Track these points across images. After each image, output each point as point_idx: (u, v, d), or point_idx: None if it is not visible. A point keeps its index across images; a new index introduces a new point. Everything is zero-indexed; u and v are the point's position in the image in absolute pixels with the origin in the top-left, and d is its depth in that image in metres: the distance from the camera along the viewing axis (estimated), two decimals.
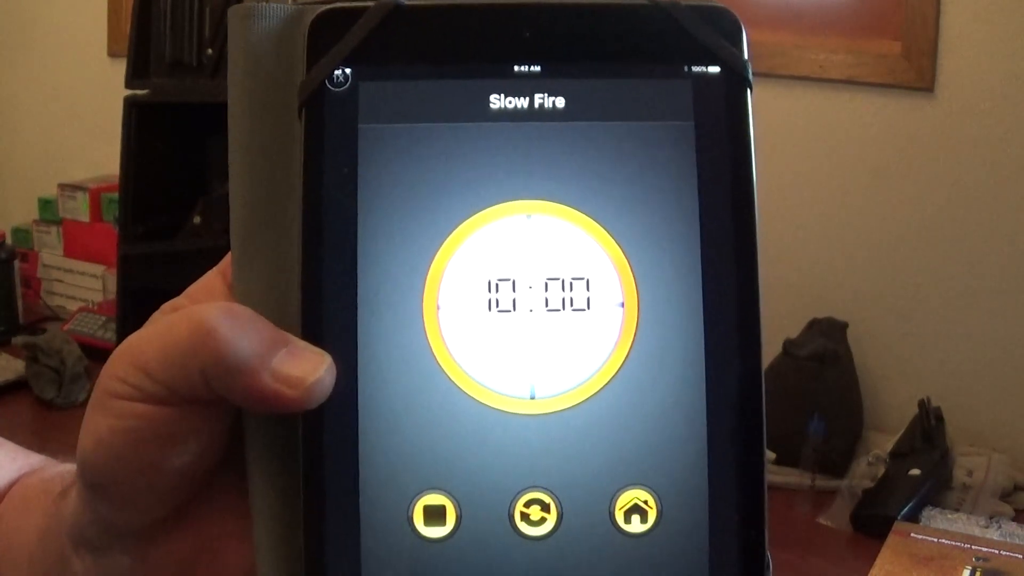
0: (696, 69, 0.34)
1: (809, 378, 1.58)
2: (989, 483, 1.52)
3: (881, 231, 1.74)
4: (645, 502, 0.32)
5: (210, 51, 1.77)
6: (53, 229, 2.25)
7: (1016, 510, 1.48)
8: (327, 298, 0.33)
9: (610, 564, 0.32)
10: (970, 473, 1.55)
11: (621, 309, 0.33)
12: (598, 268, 0.33)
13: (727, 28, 0.34)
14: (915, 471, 1.48)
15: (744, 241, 0.33)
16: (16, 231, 2.33)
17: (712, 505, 0.32)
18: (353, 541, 0.32)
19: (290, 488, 0.34)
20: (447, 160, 0.33)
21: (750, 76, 0.34)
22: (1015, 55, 1.60)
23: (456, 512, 0.32)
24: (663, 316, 0.33)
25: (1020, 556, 1.29)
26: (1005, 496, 1.51)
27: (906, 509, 1.41)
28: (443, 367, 0.33)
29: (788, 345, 1.62)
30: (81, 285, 2.22)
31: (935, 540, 1.32)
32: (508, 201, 0.33)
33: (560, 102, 0.34)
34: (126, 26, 1.96)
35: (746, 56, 0.34)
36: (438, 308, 0.33)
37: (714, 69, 0.34)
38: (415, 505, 0.32)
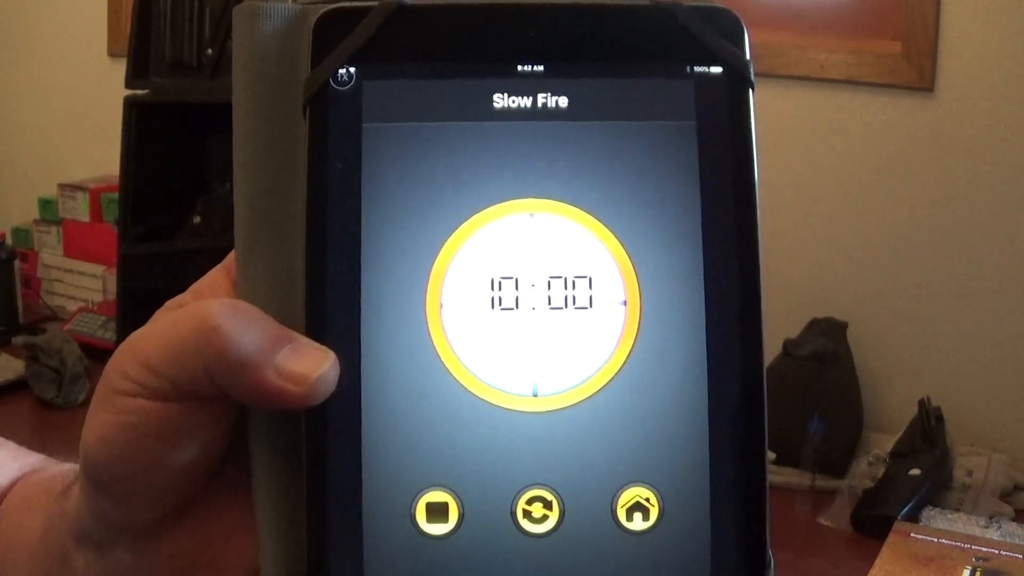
0: (698, 69, 0.34)
1: (809, 378, 1.58)
2: (989, 483, 1.53)
3: (881, 231, 1.74)
4: (647, 500, 0.32)
5: (210, 51, 1.77)
6: (53, 229, 2.25)
7: (1016, 510, 1.48)
8: (331, 295, 0.33)
9: (612, 562, 0.32)
10: (970, 473, 1.55)
11: (623, 307, 0.33)
12: (600, 266, 0.33)
13: (729, 28, 0.34)
14: (915, 471, 1.48)
15: (746, 240, 0.33)
16: (16, 231, 2.33)
17: (714, 503, 0.32)
18: (355, 538, 0.32)
19: (293, 485, 0.34)
20: (450, 159, 0.33)
21: (752, 76, 0.34)
22: (1015, 55, 1.61)
23: (458, 509, 0.32)
24: (665, 314, 0.33)
25: (1020, 556, 1.29)
26: (1005, 496, 1.51)
27: (906, 509, 1.41)
28: (446, 364, 0.33)
29: (788, 345, 1.62)
30: (81, 285, 2.22)
31: (935, 540, 1.32)
32: (511, 200, 0.33)
33: (563, 101, 0.34)
34: (126, 26, 1.96)
35: (748, 56, 0.34)
36: (441, 306, 0.33)
37: (716, 69, 0.34)
38: (417, 502, 0.32)
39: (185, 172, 1.92)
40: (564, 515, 0.32)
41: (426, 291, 0.33)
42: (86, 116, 2.38)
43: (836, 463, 1.56)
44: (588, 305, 0.33)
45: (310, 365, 0.31)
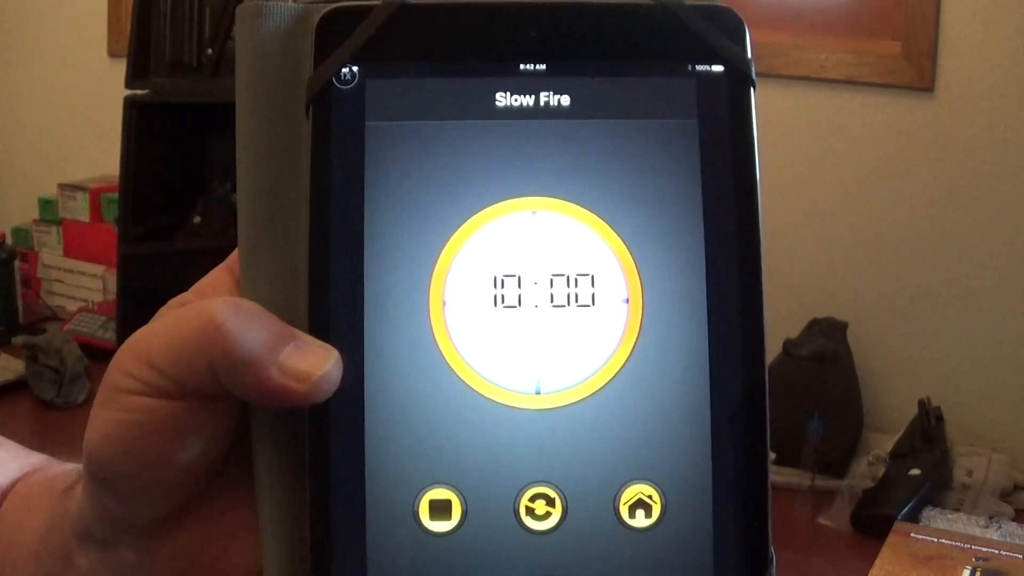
0: (700, 68, 0.34)
1: (809, 378, 1.59)
2: (989, 483, 1.53)
3: (881, 231, 1.74)
4: (649, 497, 0.33)
5: (210, 51, 1.78)
6: (53, 229, 2.25)
7: (1016, 510, 1.48)
8: (334, 293, 0.33)
9: (614, 558, 0.32)
10: (970, 473, 1.55)
11: (626, 305, 0.33)
12: (603, 264, 0.33)
13: (730, 27, 0.34)
14: (915, 471, 1.48)
15: (747, 238, 0.33)
16: (16, 231, 2.33)
17: (716, 500, 0.32)
18: (359, 535, 0.32)
19: (296, 483, 0.34)
20: (453, 157, 0.33)
21: (753, 74, 0.34)
22: (1015, 55, 1.61)
23: (461, 506, 0.32)
24: (667, 312, 0.33)
25: (1020, 556, 1.29)
26: (1005, 496, 1.51)
27: (906, 509, 1.41)
28: (449, 362, 0.33)
29: (788, 345, 1.63)
30: (81, 285, 2.22)
31: (935, 540, 1.32)
32: (513, 198, 0.33)
33: (565, 100, 0.34)
34: (126, 26, 1.96)
35: (749, 55, 0.34)
36: (444, 304, 0.33)
37: (718, 68, 0.34)
38: (421, 499, 0.32)
39: (185, 172, 1.92)
40: (567, 512, 0.32)
41: (429, 289, 0.33)
42: (86, 116, 2.38)
43: (836, 463, 1.56)
44: (591, 303, 0.33)
45: (313, 363, 0.32)
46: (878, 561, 1.28)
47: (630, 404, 0.33)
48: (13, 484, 0.44)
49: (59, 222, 2.23)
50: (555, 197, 0.33)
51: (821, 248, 1.78)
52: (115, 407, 0.33)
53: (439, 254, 0.33)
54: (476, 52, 0.34)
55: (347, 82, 0.34)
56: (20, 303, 2.13)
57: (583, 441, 0.33)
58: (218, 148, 1.94)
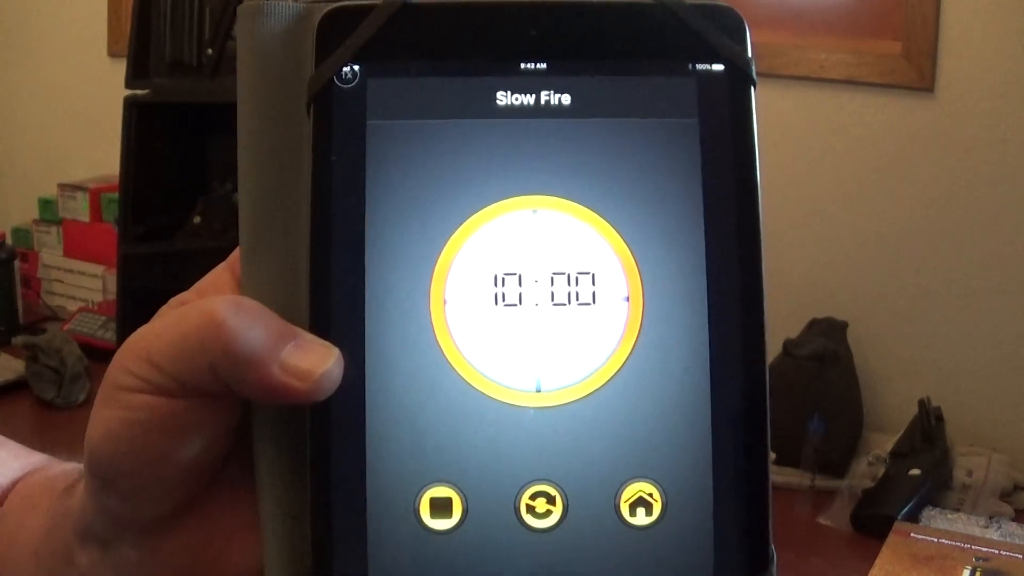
0: (700, 66, 0.34)
1: (809, 378, 1.59)
2: (989, 483, 1.53)
3: (881, 231, 1.74)
4: (650, 495, 0.33)
5: (210, 51, 1.78)
6: (53, 229, 2.25)
7: (1016, 510, 1.48)
8: (335, 292, 0.33)
9: (615, 556, 0.32)
10: (970, 473, 1.55)
11: (626, 303, 0.33)
12: (603, 263, 0.33)
13: (731, 26, 0.34)
14: (915, 471, 1.48)
15: (748, 236, 0.33)
16: (16, 231, 2.33)
17: (717, 498, 0.32)
18: (360, 533, 0.32)
19: (297, 480, 0.34)
20: (454, 156, 0.33)
21: (754, 73, 0.34)
22: (1015, 55, 1.61)
23: (462, 504, 0.32)
24: (668, 310, 0.33)
25: (1020, 556, 1.29)
26: (1005, 496, 1.51)
27: (906, 509, 1.41)
28: (450, 360, 0.33)
29: (788, 345, 1.63)
30: (81, 285, 2.22)
31: (935, 540, 1.32)
32: (514, 196, 0.33)
33: (566, 99, 0.34)
34: (126, 26, 1.96)
35: (750, 53, 0.34)
36: (445, 302, 0.33)
37: (718, 66, 0.34)
38: (421, 497, 0.32)
39: (185, 172, 1.92)
40: (567, 510, 0.32)
41: (430, 287, 0.33)
42: (86, 116, 2.38)
43: (836, 463, 1.56)
44: (591, 301, 0.33)
45: (314, 361, 0.32)
46: (878, 561, 1.28)
47: (631, 402, 0.33)
48: (14, 483, 0.44)
49: (59, 222, 2.23)
50: (556, 196, 0.33)
51: (821, 248, 1.78)
52: (116, 405, 0.33)
53: (440, 252, 0.33)
54: (477, 51, 0.34)
55: (348, 81, 0.34)
56: (20, 303, 2.13)
57: (584, 439, 0.33)
58: (218, 148, 1.94)
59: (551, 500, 0.32)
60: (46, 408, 1.78)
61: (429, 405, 0.33)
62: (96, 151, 2.29)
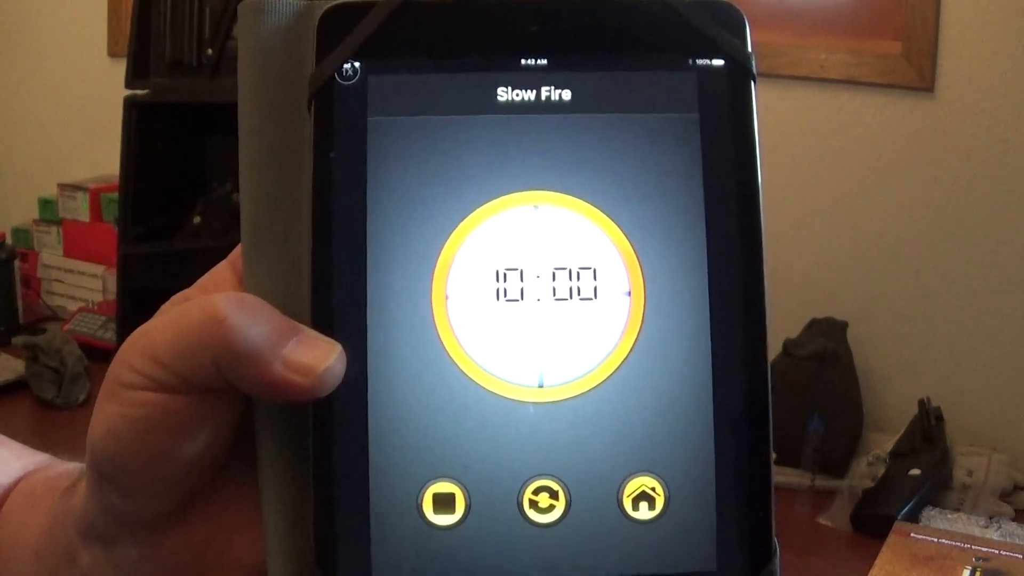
0: (700, 62, 0.34)
1: (809, 378, 1.58)
2: (989, 483, 1.53)
3: (881, 231, 1.74)
4: (653, 489, 0.33)
5: (210, 51, 1.78)
6: (53, 229, 2.25)
7: (1016, 510, 1.48)
8: (337, 288, 0.33)
9: (618, 551, 0.32)
10: (970, 473, 1.55)
11: (628, 298, 0.33)
12: (605, 258, 0.33)
13: (730, 21, 0.34)
14: (915, 471, 1.48)
15: (749, 230, 0.33)
16: (16, 231, 2.33)
17: (719, 492, 0.33)
18: (363, 529, 0.32)
19: (300, 477, 0.34)
20: (455, 152, 0.34)
21: (754, 68, 0.34)
22: (1015, 55, 1.61)
23: (465, 500, 0.32)
24: (669, 305, 0.33)
25: (1020, 556, 1.29)
26: (1005, 496, 1.51)
27: (906, 509, 1.41)
28: (452, 356, 0.33)
29: (788, 345, 1.63)
30: (81, 285, 2.22)
31: (935, 540, 1.32)
32: (515, 192, 0.33)
33: (566, 95, 0.34)
34: (126, 26, 1.96)
35: (750, 49, 0.34)
36: (447, 298, 0.33)
37: (718, 62, 0.34)
38: (424, 493, 0.32)
39: (185, 172, 1.92)
40: (570, 505, 0.32)
41: (431, 283, 0.33)
42: (86, 116, 2.38)
43: (836, 463, 1.56)
44: (593, 296, 0.33)
45: (317, 357, 0.32)
46: (878, 561, 1.28)
47: (633, 397, 0.33)
48: (16, 483, 0.44)
49: (59, 222, 2.23)
50: (557, 191, 0.34)
51: (821, 248, 1.78)
52: (119, 402, 0.33)
53: (441, 248, 0.33)
54: (477, 47, 0.34)
55: (349, 78, 0.34)
56: (20, 303, 2.13)
57: (586, 434, 0.33)
58: (218, 148, 1.94)
59: (554, 495, 0.32)
60: (46, 408, 1.78)
61: (431, 401, 0.33)
62: (96, 151, 2.29)
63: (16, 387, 1.83)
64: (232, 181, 1.87)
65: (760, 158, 0.34)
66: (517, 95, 0.34)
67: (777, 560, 0.33)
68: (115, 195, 1.94)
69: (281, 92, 0.35)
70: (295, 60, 0.35)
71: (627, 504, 0.33)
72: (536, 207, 0.34)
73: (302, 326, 0.32)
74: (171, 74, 1.80)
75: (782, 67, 1.74)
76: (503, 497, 0.32)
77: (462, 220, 0.33)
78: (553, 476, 0.33)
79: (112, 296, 1.98)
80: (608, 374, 0.33)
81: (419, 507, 0.32)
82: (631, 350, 0.33)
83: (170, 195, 1.87)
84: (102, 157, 2.15)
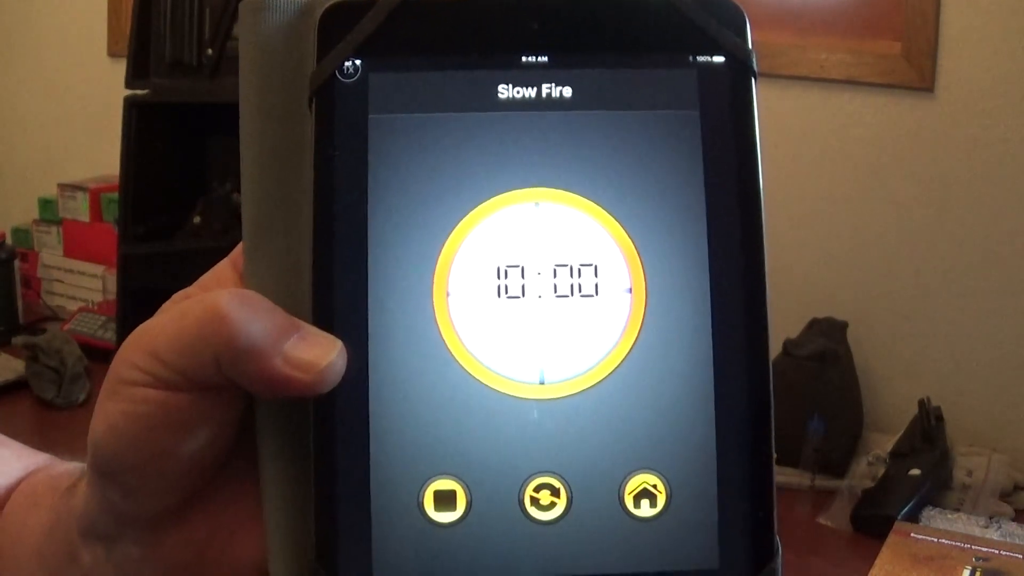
0: (701, 59, 0.34)
1: (809, 378, 1.58)
2: (989, 483, 1.53)
3: (881, 231, 1.74)
4: (654, 486, 0.33)
5: (210, 51, 1.78)
6: (53, 229, 2.25)
7: (1016, 510, 1.48)
8: (338, 285, 0.33)
9: (620, 548, 0.32)
10: (970, 473, 1.55)
11: (629, 295, 0.33)
12: (606, 254, 0.33)
13: (731, 18, 0.34)
14: (915, 471, 1.48)
15: (750, 227, 0.33)
16: (16, 231, 2.33)
17: (721, 489, 0.32)
18: (363, 526, 0.32)
19: (301, 474, 0.34)
20: (456, 149, 0.34)
21: (755, 65, 0.34)
22: (1015, 55, 1.61)
23: (466, 497, 0.32)
24: (671, 301, 0.33)
25: (1020, 556, 1.29)
26: (1005, 496, 1.51)
27: (906, 509, 1.41)
28: (453, 353, 0.33)
29: (788, 345, 1.63)
30: (81, 285, 2.22)
31: (935, 540, 1.32)
32: (516, 189, 0.34)
33: (567, 92, 0.34)
34: (126, 26, 1.96)
35: (750, 46, 0.34)
36: (448, 295, 0.33)
37: (719, 58, 0.34)
38: (425, 490, 0.32)
39: (185, 172, 1.92)
40: (572, 502, 0.32)
41: (433, 280, 0.33)
42: (86, 116, 2.38)
43: (836, 463, 1.56)
44: (594, 293, 0.33)
45: (318, 353, 0.32)
46: (878, 561, 1.28)
47: (634, 393, 0.33)
48: (17, 483, 0.44)
49: (59, 222, 2.23)
50: (558, 188, 0.34)
51: (821, 248, 1.78)
52: (120, 399, 0.33)
53: (443, 245, 0.33)
54: (478, 45, 0.34)
55: (350, 76, 0.34)
56: (20, 303, 2.13)
57: (587, 431, 0.33)
58: (218, 148, 1.94)
59: (555, 492, 0.32)
60: (46, 408, 1.78)
61: (432, 398, 0.33)
62: (96, 151, 2.29)
63: (16, 387, 1.82)
64: (232, 181, 1.87)
65: (761, 155, 0.34)
66: (518, 92, 0.34)
67: (779, 558, 0.33)
68: (115, 195, 1.94)
69: (282, 90, 0.35)
70: (296, 58, 0.35)
71: (628, 501, 0.33)
72: (537, 204, 0.34)
73: (303, 323, 0.32)
74: (171, 74, 1.80)
75: (782, 67, 1.74)
76: (504, 494, 0.32)
77: (463, 217, 0.33)
78: (554, 473, 0.33)
79: (112, 296, 1.98)
80: (609, 371, 0.33)
81: (420, 504, 0.32)
82: (632, 347, 0.33)
83: (170, 195, 1.87)
84: (102, 157, 2.15)
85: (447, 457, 0.32)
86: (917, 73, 1.66)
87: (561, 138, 0.34)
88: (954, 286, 1.70)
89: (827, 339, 1.64)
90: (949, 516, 1.42)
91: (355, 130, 0.34)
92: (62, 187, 2.20)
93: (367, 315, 0.33)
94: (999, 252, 1.66)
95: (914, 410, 1.61)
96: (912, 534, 1.34)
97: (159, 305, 0.35)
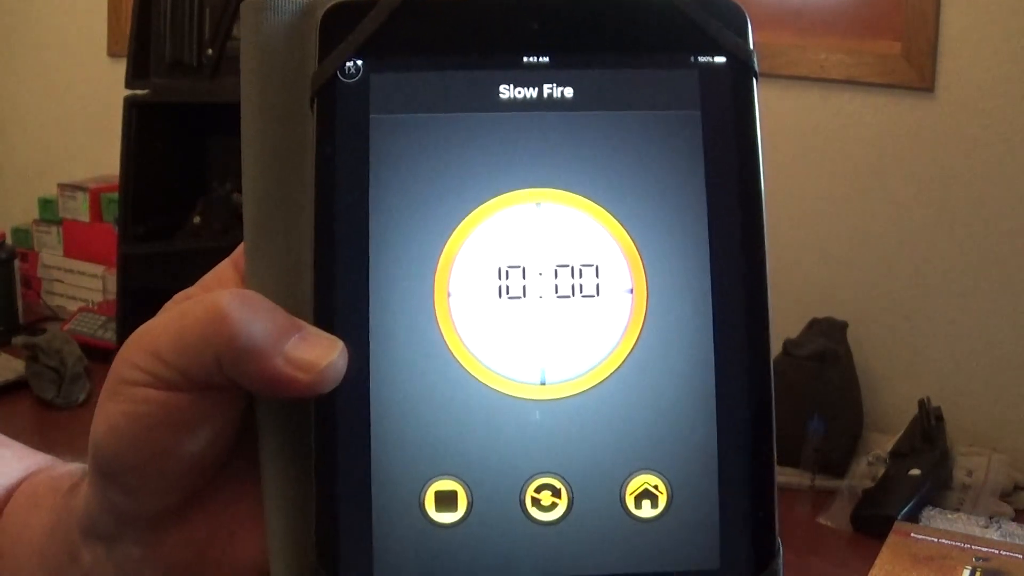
0: (702, 59, 0.34)
1: (809, 378, 1.58)
2: (989, 483, 1.53)
3: (881, 231, 1.74)
4: (655, 487, 0.33)
5: (210, 51, 1.78)
6: (53, 229, 2.25)
7: (1016, 510, 1.48)
8: (339, 285, 0.33)
9: (621, 549, 0.32)
10: (970, 473, 1.55)
11: (630, 295, 0.33)
12: (607, 255, 0.33)
13: (732, 19, 0.34)
14: (915, 471, 1.48)
15: (751, 227, 0.33)
16: (16, 231, 2.33)
17: (722, 489, 0.32)
18: (365, 527, 0.32)
19: (302, 474, 0.34)
20: (457, 149, 0.34)
21: (756, 66, 0.34)
22: (1015, 55, 1.61)
23: (467, 497, 0.32)
24: (672, 302, 0.33)
25: (1020, 556, 1.29)
26: (1005, 496, 1.51)
27: (906, 509, 1.41)
28: (454, 353, 0.33)
29: (788, 345, 1.63)
30: (81, 285, 2.22)
31: (935, 540, 1.32)
32: (517, 189, 0.34)
33: (568, 92, 0.34)
34: (126, 26, 1.96)
35: (751, 46, 0.34)
36: (449, 295, 0.33)
37: (720, 59, 0.34)
38: (426, 491, 0.32)
39: (185, 172, 1.92)
40: (573, 503, 0.32)
41: (434, 280, 0.33)
42: (86, 116, 2.38)
43: (836, 463, 1.56)
44: (595, 293, 0.33)
45: (319, 353, 0.32)
46: (878, 561, 1.28)
47: (635, 394, 0.33)
48: (18, 483, 0.44)
49: (59, 222, 2.23)
50: (559, 188, 0.34)
51: (821, 248, 1.78)
52: (121, 399, 0.33)
53: (444, 245, 0.33)
54: (479, 45, 0.34)
55: (351, 76, 0.34)
56: (20, 303, 2.13)
57: (588, 431, 0.33)
58: (218, 148, 1.94)
59: (556, 493, 0.32)
60: (46, 408, 1.78)
61: (433, 398, 0.33)
62: (96, 151, 2.29)
63: (16, 387, 1.82)
64: (232, 181, 1.87)
65: (762, 155, 0.34)
66: (519, 93, 0.34)
67: (780, 559, 0.33)
68: (115, 195, 1.94)
69: (284, 90, 0.35)
70: (298, 58, 0.35)
71: (630, 502, 0.33)
72: (538, 204, 0.34)
73: (304, 323, 0.32)
74: (171, 74, 1.80)
75: (782, 67, 1.74)
76: (505, 495, 0.32)
77: (464, 217, 0.33)
78: (555, 474, 0.33)
79: (112, 296, 1.98)
80: (610, 371, 0.33)
81: (421, 505, 0.32)
82: (633, 347, 0.33)
83: (170, 195, 1.87)
84: (102, 157, 2.15)
85: (448, 457, 0.32)
86: (917, 73, 1.66)
87: (562, 138, 0.34)
88: (954, 286, 1.70)
89: (827, 339, 1.64)
90: (949, 516, 1.42)
91: (356, 130, 0.34)
92: (62, 187, 2.20)
93: (368, 315, 0.33)
94: (999, 252, 1.66)
95: (914, 410, 1.61)
96: (912, 534, 1.34)
97: (159, 305, 0.35)
